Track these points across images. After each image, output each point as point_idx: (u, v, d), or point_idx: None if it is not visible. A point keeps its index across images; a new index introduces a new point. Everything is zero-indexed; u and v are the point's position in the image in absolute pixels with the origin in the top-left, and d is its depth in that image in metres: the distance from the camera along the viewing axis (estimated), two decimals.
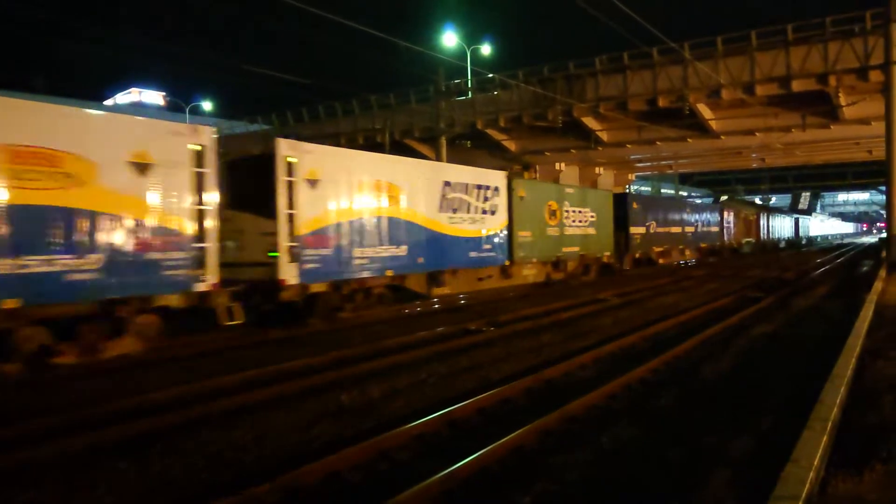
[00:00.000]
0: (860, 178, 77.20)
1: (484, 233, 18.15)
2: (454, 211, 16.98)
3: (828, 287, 20.77)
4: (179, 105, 69.22)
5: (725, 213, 42.45)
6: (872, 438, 5.53)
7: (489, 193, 18.42)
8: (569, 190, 23.30)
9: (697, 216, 37.27)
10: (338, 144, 39.21)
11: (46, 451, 5.89)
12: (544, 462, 5.75)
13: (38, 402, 7.73)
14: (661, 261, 31.21)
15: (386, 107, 36.96)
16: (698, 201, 44.91)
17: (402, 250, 15.22)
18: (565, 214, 22.14)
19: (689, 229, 35.19)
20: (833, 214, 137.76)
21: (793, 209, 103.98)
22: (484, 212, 18.13)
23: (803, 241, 72.78)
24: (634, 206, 28.44)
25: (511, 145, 38.23)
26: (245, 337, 11.96)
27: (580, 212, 23.16)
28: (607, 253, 25.04)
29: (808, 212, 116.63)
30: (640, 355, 10.07)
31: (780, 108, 30.34)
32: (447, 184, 16.84)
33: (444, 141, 27.37)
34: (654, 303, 17.01)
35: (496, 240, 18.63)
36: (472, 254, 17.76)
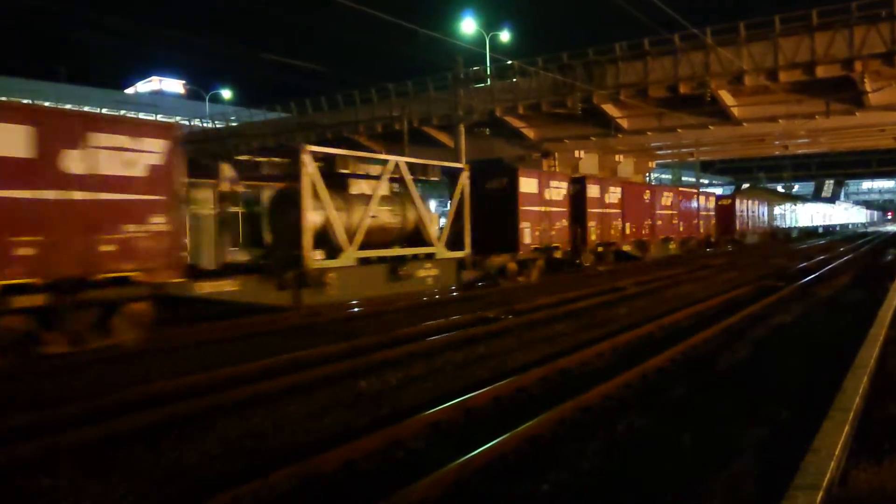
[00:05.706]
0: (885, 165, 76.01)
1: None
2: None
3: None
4: (199, 93, 69.66)
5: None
6: (895, 429, 5.45)
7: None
8: None
9: None
10: (356, 132, 39.39)
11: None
12: (560, 451, 5.72)
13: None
14: None
15: (404, 95, 36.89)
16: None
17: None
18: None
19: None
20: (857, 202, 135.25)
21: (815, 197, 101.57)
22: None
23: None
24: None
25: (530, 133, 38.02)
26: (255, 327, 12.11)
27: None
28: None
29: (831, 199, 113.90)
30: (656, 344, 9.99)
31: (804, 95, 29.85)
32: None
33: (462, 129, 27.24)
34: None
35: None
36: None
